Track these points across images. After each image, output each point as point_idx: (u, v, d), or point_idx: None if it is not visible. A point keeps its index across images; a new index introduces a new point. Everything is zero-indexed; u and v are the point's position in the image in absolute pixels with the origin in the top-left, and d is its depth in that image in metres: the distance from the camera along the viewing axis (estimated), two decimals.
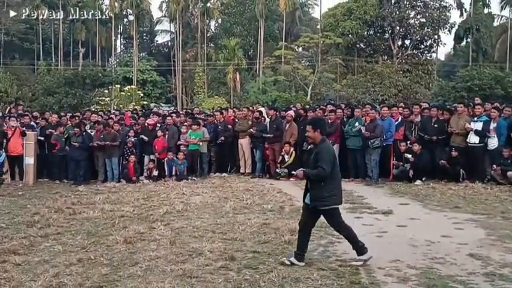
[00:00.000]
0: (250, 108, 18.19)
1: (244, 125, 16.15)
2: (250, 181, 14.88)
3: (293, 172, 7.79)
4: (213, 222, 9.57)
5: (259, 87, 46.60)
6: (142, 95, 45.89)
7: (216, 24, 68.89)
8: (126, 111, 22.52)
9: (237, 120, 16.74)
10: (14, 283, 6.31)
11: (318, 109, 16.26)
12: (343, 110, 15.91)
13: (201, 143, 15.72)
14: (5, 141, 15.16)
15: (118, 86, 45.63)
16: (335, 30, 50.27)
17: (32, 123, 16.47)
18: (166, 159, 15.64)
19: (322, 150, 7.00)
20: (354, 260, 6.94)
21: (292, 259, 6.90)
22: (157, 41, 75.41)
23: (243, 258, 7.14)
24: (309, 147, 14.90)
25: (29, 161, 15.33)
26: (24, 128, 15.53)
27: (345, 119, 15.25)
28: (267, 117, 16.30)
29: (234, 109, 18.47)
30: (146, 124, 16.34)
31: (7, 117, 16.78)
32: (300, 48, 55.37)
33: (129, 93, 43.18)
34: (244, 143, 16.05)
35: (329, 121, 14.87)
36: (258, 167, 15.82)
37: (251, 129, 15.82)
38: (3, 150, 14.72)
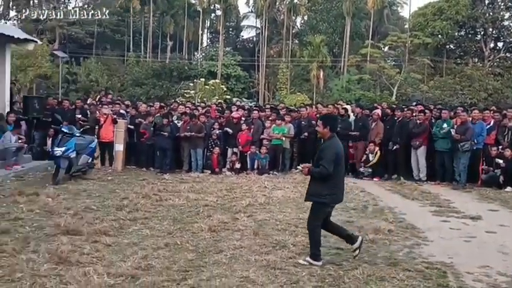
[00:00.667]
0: (336, 105, 18.01)
1: None
2: None
3: (298, 167, 7.66)
4: (295, 217, 9.58)
5: (343, 85, 46.19)
6: (225, 89, 46.53)
7: (302, 21, 68.87)
8: (212, 104, 22.90)
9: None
10: (106, 262, 6.57)
11: (406, 109, 15.91)
12: (431, 110, 15.50)
13: (284, 138, 15.76)
14: (97, 127, 15.82)
15: (203, 79, 46.50)
16: (424, 30, 49.03)
17: (123, 111, 17.05)
18: (249, 152, 15.82)
19: (326, 148, 6.86)
20: (302, 258, 6.80)
21: (356, 250, 6.87)
22: (242, 36, 76.28)
23: (326, 254, 7.09)
24: (395, 147, 14.68)
25: (119, 148, 15.91)
26: (115, 116, 16.11)
27: (433, 121, 14.88)
28: (353, 115, 16.13)
29: (319, 105, 18.35)
30: (231, 117, 16.56)
31: (100, 105, 17.49)
32: (387, 48, 54.40)
33: (213, 87, 43.91)
34: None
35: (418, 122, 14.57)
36: None
37: None
38: (96, 136, 15.34)
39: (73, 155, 13.04)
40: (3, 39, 15.12)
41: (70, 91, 47.13)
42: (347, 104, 20.29)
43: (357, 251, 6.85)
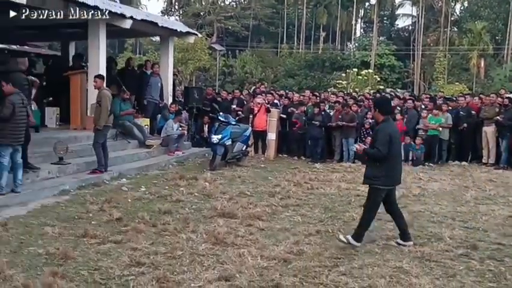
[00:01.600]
0: (498, 94, 16.85)
1: (491, 112, 15.08)
2: (493, 172, 13.93)
3: (351, 146, 7.60)
4: (452, 210, 9.17)
5: (506, 74, 43.28)
6: (378, 79, 45.57)
7: (462, 8, 65.40)
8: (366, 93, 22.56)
9: (482, 106, 15.70)
10: (259, 245, 6.76)
11: None
12: None
13: (440, 129, 15.11)
14: (251, 116, 16.27)
15: (356, 69, 45.93)
16: None
17: (276, 101, 17.35)
18: (403, 143, 15.33)
19: (379, 131, 6.96)
20: (344, 236, 6.91)
21: (399, 241, 6.95)
22: (397, 25, 74.08)
23: (486, 249, 6.72)
24: None
25: (271, 136, 16.21)
26: (268, 105, 16.44)
27: None
28: None
29: (481, 95, 17.27)
30: None
31: (253, 95, 17.98)
32: None
33: (366, 77, 43.21)
34: (489, 131, 15.02)
35: None
36: (503, 157, 14.70)
37: (498, 117, 14.74)
38: (250, 125, 15.76)
39: (229, 142, 13.57)
40: (167, 33, 16.10)
41: (226, 83, 48.98)
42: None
43: (401, 246, 6.85)
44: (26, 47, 21.01)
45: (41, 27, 16.61)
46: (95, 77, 11.53)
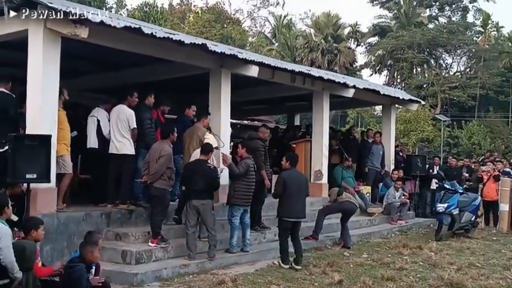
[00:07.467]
0: None
1: None
2: None
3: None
4: None
5: None
6: None
7: None
8: None
9: None
10: None
11: None
12: None
13: None
14: (480, 185, 15.30)
15: None
16: None
17: (508, 169, 16.13)
18: None
19: (279, 176, 9.29)
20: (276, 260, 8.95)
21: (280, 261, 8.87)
22: None
23: None
24: None
25: (504, 207, 14.92)
26: (499, 174, 15.33)
27: None
28: None
29: None
30: None
31: (482, 163, 17.03)
32: None
33: None
34: None
35: None
36: None
37: None
38: (479, 194, 14.81)
39: (456, 211, 12.87)
40: (388, 101, 16.10)
41: (451, 154, 47.06)
42: None
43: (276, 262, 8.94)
44: (256, 122, 22.63)
45: (270, 102, 17.84)
46: None
